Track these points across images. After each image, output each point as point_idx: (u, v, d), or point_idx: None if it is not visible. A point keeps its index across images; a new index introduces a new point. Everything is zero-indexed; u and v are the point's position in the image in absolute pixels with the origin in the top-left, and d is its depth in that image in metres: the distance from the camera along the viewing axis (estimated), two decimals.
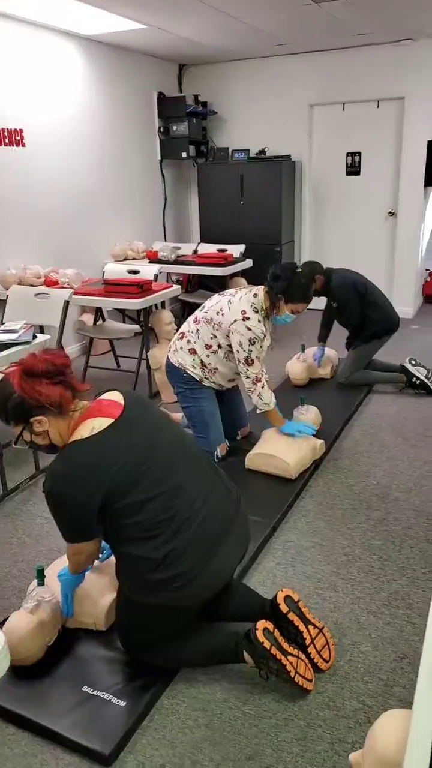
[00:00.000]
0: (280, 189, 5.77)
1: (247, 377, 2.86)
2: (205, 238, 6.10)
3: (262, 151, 6.05)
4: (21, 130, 4.40)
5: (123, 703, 1.73)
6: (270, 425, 3.08)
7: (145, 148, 5.88)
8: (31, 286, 4.13)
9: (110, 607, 1.98)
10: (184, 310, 5.85)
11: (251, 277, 5.34)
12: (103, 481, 1.60)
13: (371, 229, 6.13)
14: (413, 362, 4.09)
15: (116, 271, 4.43)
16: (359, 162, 5.98)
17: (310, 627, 1.85)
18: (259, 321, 2.79)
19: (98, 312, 4.60)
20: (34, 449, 1.80)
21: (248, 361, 2.81)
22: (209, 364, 2.92)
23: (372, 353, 4.11)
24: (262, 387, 2.88)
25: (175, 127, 5.94)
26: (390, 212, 5.99)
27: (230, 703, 1.78)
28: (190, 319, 3.00)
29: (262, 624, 1.76)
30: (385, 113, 5.72)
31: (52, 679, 1.84)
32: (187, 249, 5.77)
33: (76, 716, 1.70)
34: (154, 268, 4.40)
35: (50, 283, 4.21)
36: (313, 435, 3.09)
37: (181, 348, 2.96)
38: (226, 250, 5.45)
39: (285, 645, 1.75)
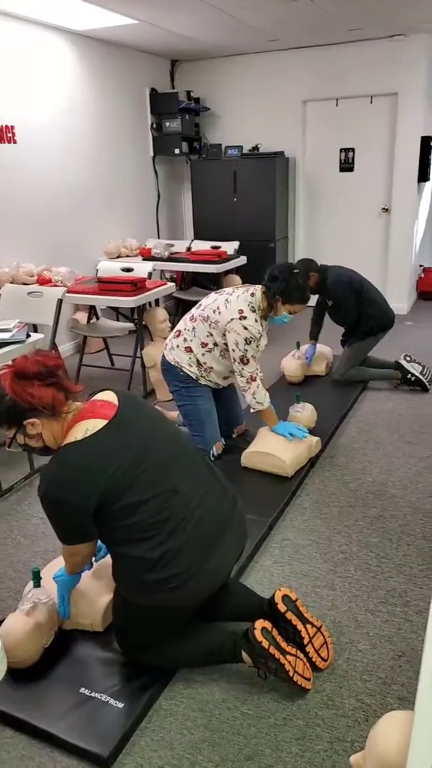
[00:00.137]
0: (274, 185, 5.75)
1: (242, 376, 2.85)
2: (198, 235, 6.07)
3: (256, 148, 6.02)
4: (12, 127, 4.37)
5: (121, 705, 1.73)
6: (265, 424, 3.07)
7: (137, 145, 5.85)
8: (24, 284, 4.11)
9: (107, 608, 1.97)
10: (178, 308, 5.83)
11: (245, 274, 5.33)
12: (98, 484, 1.59)
13: (365, 225, 6.13)
14: (408, 358, 4.09)
15: (110, 268, 4.41)
16: (353, 158, 5.97)
17: (308, 626, 1.85)
18: (256, 320, 2.78)
19: (92, 310, 4.58)
20: (28, 451, 1.78)
21: (244, 361, 2.80)
22: (205, 362, 2.91)
23: (367, 350, 4.11)
24: (257, 386, 2.87)
25: (167, 124, 5.91)
26: (384, 208, 5.99)
27: (229, 704, 1.77)
28: (187, 316, 2.98)
29: (260, 623, 1.75)
30: (379, 109, 5.70)
31: (48, 681, 1.82)
32: (180, 246, 5.75)
33: (73, 718, 1.69)
34: (148, 266, 4.38)
35: (43, 281, 4.19)
36: (309, 432, 3.09)
37: (177, 346, 2.95)
38: (219, 247, 5.43)
39: (283, 644, 1.74)
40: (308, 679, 1.77)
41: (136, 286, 3.98)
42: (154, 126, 5.98)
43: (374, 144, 5.83)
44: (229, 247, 5.47)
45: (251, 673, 1.81)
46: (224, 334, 2.81)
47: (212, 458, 3.02)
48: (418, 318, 5.91)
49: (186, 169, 6.38)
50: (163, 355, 3.03)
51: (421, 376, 4.00)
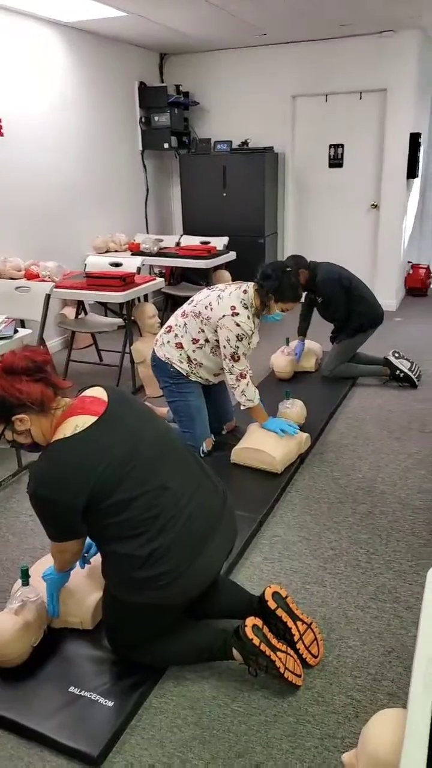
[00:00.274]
0: (263, 181, 5.73)
1: (231, 373, 2.84)
2: (187, 230, 6.05)
3: (245, 143, 6.00)
4: None
5: (111, 703, 1.71)
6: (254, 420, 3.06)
7: (126, 139, 5.80)
8: (12, 279, 4.07)
9: (96, 606, 1.96)
10: (167, 303, 5.81)
11: (235, 269, 5.31)
12: (88, 482, 1.57)
13: (354, 221, 6.13)
14: (397, 355, 4.10)
15: (98, 263, 4.37)
16: (342, 154, 5.96)
17: (299, 623, 1.85)
18: (249, 317, 2.77)
19: (80, 305, 4.54)
20: (17, 448, 1.76)
21: (234, 357, 2.79)
22: (195, 359, 2.90)
23: (356, 346, 4.11)
24: (246, 384, 2.86)
25: (156, 118, 5.86)
26: (372, 204, 6.00)
27: (219, 701, 1.77)
28: (178, 312, 2.97)
29: (251, 621, 1.75)
30: (368, 105, 5.70)
31: (37, 680, 1.81)
32: (169, 241, 5.72)
33: (63, 717, 1.68)
34: (137, 261, 4.35)
35: (31, 276, 4.15)
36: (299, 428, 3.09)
37: (168, 342, 2.93)
38: (209, 243, 5.42)
39: (274, 641, 1.74)
40: (299, 676, 1.77)
41: (125, 281, 3.95)
42: (143, 120, 5.93)
43: (363, 140, 5.83)
44: (219, 242, 5.45)
45: (242, 671, 1.81)
46: (216, 331, 2.80)
47: (202, 455, 3.01)
48: (406, 314, 5.93)
49: (175, 163, 6.34)
50: (154, 351, 3.01)
51: (409, 373, 4.02)
